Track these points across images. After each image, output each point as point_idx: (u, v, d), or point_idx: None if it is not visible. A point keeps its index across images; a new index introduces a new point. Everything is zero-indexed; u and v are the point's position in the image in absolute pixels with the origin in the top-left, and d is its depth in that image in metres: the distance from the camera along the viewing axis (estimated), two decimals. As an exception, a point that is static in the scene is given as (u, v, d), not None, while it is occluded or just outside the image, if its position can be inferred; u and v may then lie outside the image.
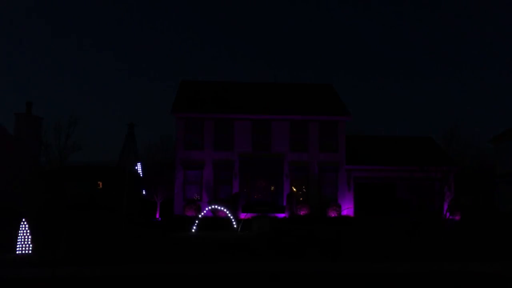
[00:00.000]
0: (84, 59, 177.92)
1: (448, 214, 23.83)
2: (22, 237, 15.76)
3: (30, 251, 15.73)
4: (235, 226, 23.50)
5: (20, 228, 15.78)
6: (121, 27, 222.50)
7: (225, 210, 23.87)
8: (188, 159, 27.79)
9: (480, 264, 13.83)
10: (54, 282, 11.43)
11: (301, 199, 27.73)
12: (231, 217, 23.78)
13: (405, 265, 13.63)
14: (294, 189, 28.21)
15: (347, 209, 27.61)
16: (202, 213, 23.88)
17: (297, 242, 18.19)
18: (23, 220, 15.85)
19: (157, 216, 25.71)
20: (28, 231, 15.83)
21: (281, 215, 25.79)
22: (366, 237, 19.87)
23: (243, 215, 25.40)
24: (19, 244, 15.71)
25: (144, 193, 30.33)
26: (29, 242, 15.82)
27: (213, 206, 24.29)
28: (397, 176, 27.97)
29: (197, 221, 22.96)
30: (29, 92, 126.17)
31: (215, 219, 24.72)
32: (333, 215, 26.18)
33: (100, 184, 31.93)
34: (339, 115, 28.73)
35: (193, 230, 22.79)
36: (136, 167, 33.01)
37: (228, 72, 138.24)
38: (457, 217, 26.65)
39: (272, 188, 28.63)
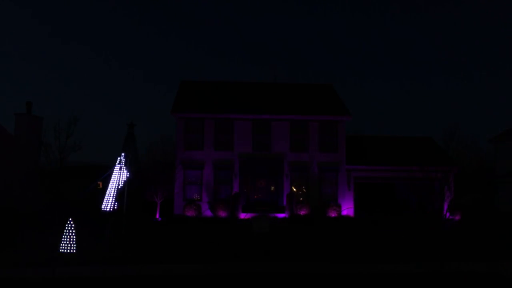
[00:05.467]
0: (84, 59, 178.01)
1: (448, 214, 23.84)
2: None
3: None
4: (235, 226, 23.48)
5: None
6: (121, 27, 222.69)
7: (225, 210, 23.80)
8: (188, 159, 27.81)
9: (480, 264, 13.84)
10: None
11: (301, 199, 27.73)
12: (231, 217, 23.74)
13: (405, 265, 13.64)
14: (294, 189, 28.21)
15: (347, 209, 27.63)
16: (202, 213, 23.85)
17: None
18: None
19: (157, 216, 25.71)
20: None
21: (281, 215, 25.80)
22: (368, 237, 19.89)
23: (243, 215, 25.42)
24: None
25: (144, 193, 30.32)
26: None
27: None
28: (397, 176, 27.97)
29: (197, 221, 22.95)
30: (29, 92, 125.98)
31: (215, 219, 24.69)
32: (333, 215, 26.20)
33: (100, 184, 31.82)
34: (339, 115, 28.73)
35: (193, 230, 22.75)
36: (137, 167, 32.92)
37: (228, 72, 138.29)
38: (457, 217, 26.67)
39: (272, 188, 28.64)
